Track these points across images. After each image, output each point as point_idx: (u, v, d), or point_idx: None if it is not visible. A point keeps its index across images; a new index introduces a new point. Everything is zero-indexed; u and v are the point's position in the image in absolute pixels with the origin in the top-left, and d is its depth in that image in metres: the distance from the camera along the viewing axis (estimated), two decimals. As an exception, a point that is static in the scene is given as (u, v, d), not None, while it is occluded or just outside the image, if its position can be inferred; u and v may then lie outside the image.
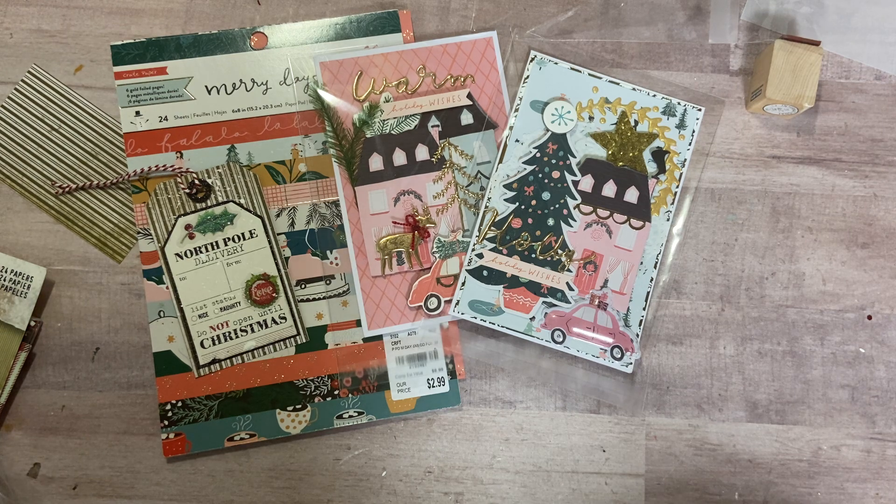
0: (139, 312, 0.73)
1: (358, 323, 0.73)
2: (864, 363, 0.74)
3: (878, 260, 0.75)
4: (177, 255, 0.73)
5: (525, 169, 0.74)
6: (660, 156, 0.75)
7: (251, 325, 0.72)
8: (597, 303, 0.73)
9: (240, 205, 0.73)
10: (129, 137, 0.74)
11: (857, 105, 0.77)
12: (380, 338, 0.73)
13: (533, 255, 0.73)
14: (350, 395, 0.72)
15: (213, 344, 0.72)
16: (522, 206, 0.73)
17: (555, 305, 0.73)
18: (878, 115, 0.77)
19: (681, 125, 0.75)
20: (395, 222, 0.74)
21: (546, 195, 0.74)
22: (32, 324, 0.71)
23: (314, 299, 0.73)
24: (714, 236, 0.75)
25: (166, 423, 0.71)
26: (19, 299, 0.71)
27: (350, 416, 0.72)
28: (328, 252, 0.74)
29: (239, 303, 0.73)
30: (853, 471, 0.73)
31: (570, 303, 0.73)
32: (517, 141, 0.74)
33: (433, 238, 0.74)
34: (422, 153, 0.74)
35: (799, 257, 0.75)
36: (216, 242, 0.73)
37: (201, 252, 0.73)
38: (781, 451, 0.73)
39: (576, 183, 0.74)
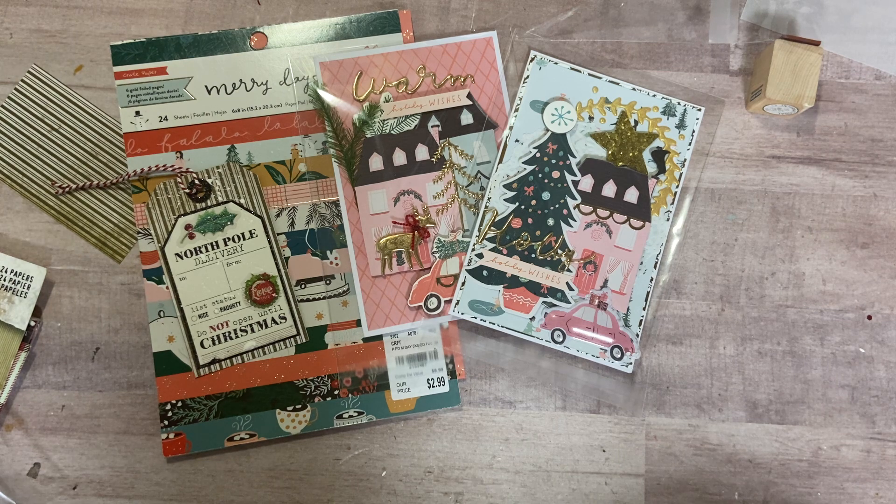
0: (139, 312, 0.73)
1: (358, 323, 0.73)
2: (864, 363, 0.74)
3: (878, 260, 0.75)
4: (177, 255, 0.73)
5: (525, 169, 0.74)
6: (660, 156, 0.75)
7: (251, 325, 0.72)
8: (597, 303, 0.73)
9: (240, 205, 0.73)
10: (129, 137, 0.74)
11: (857, 105, 0.77)
12: (380, 338, 0.73)
13: (533, 255, 0.73)
14: (350, 395, 0.72)
15: (213, 344, 0.72)
16: (522, 206, 0.73)
17: (555, 305, 0.73)
18: (878, 115, 0.76)
19: (681, 125, 0.75)
20: (395, 222, 0.74)
21: (546, 195, 0.74)
22: (32, 324, 0.71)
23: (314, 299, 0.73)
24: (714, 236, 0.75)
25: (166, 423, 0.71)
26: (19, 299, 0.71)
27: (350, 416, 0.72)
28: (328, 252, 0.74)
29: (239, 303, 0.73)
30: (853, 471, 0.73)
31: (570, 303, 0.73)
32: (517, 141, 0.74)
33: (433, 238, 0.74)
34: (422, 153, 0.74)
35: (799, 257, 0.75)
36: (216, 242, 0.73)
37: (201, 252, 0.73)
38: (781, 451, 0.73)
39: (576, 183, 0.74)
